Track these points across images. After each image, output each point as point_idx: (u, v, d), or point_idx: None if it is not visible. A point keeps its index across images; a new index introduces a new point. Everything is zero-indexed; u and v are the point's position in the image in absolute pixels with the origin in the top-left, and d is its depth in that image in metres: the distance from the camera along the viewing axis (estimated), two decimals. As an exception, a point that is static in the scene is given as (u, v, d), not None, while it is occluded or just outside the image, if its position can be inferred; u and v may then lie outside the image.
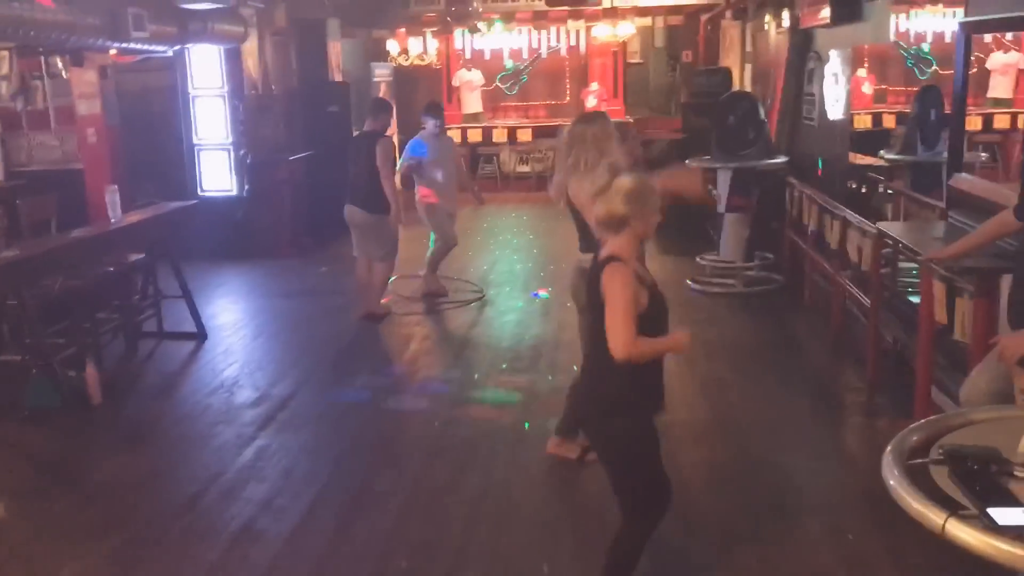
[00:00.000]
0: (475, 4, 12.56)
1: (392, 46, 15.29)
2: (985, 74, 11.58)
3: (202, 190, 11.14)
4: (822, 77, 8.94)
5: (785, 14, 10.20)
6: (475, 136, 16.16)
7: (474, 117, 16.49)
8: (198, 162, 11.16)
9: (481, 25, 15.06)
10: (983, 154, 9.66)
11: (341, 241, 11.78)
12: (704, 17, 14.42)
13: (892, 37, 7.16)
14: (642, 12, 14.54)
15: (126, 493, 4.95)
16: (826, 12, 8.16)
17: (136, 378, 6.96)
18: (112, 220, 7.13)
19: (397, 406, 6.17)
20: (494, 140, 16.15)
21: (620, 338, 3.19)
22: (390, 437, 5.72)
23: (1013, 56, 12.36)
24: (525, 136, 16.06)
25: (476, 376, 6.67)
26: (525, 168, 16.35)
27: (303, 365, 7.07)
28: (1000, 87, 12.38)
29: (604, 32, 15.07)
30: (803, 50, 9.74)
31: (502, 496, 4.78)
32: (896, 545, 4.05)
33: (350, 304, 8.44)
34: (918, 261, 4.80)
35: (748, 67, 13.14)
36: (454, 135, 15.88)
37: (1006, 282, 4.28)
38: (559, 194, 5.03)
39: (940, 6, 9.64)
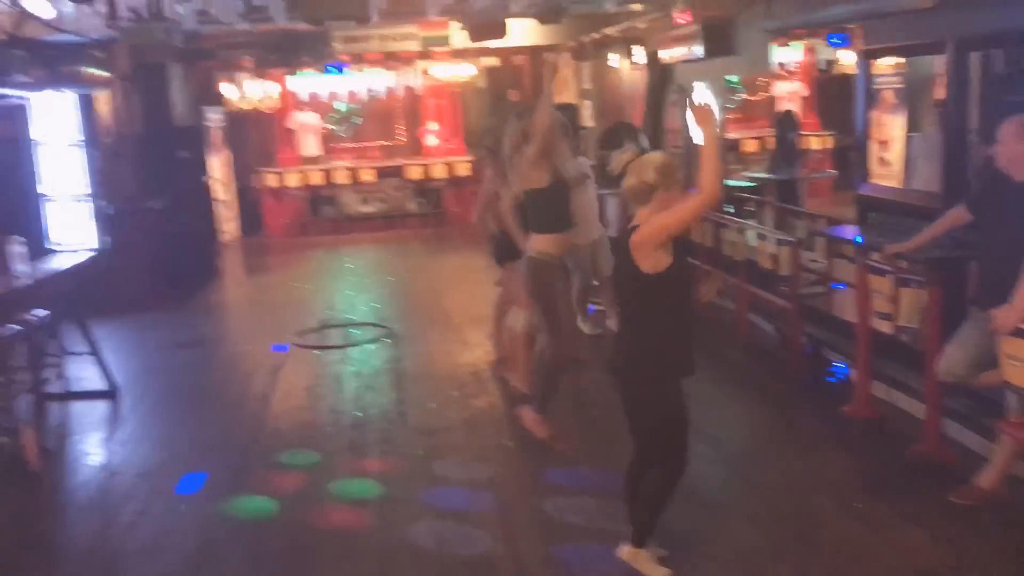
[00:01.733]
0: (333, 44, 12.52)
1: (228, 90, 14.90)
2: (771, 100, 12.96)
3: (49, 243, 10.40)
4: (686, 108, 9.71)
5: (638, 51, 10.97)
6: (316, 178, 15.99)
7: (313, 160, 16.32)
8: (44, 215, 10.42)
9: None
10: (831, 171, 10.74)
11: (207, 290, 11.43)
12: (549, 56, 15.06)
13: (774, 67, 7.86)
14: (488, 52, 14.99)
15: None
16: (697, 48, 8.91)
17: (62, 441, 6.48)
18: (17, 275, 6.62)
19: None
20: (336, 182, 16.04)
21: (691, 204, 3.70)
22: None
23: (796, 85, 13.92)
24: (368, 176, 16.07)
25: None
26: (368, 209, 16.35)
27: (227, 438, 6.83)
28: (786, 111, 14.12)
29: (447, 72, 15.40)
30: (662, 84, 10.52)
31: None
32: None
33: (245, 352, 8.21)
34: (883, 255, 5.35)
35: (588, 103, 13.90)
36: (293, 178, 15.72)
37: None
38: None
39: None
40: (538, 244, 5.45)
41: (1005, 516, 4.52)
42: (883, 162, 7.99)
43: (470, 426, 6.27)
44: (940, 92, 6.88)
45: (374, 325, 9.16)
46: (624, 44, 11.41)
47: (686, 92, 9.98)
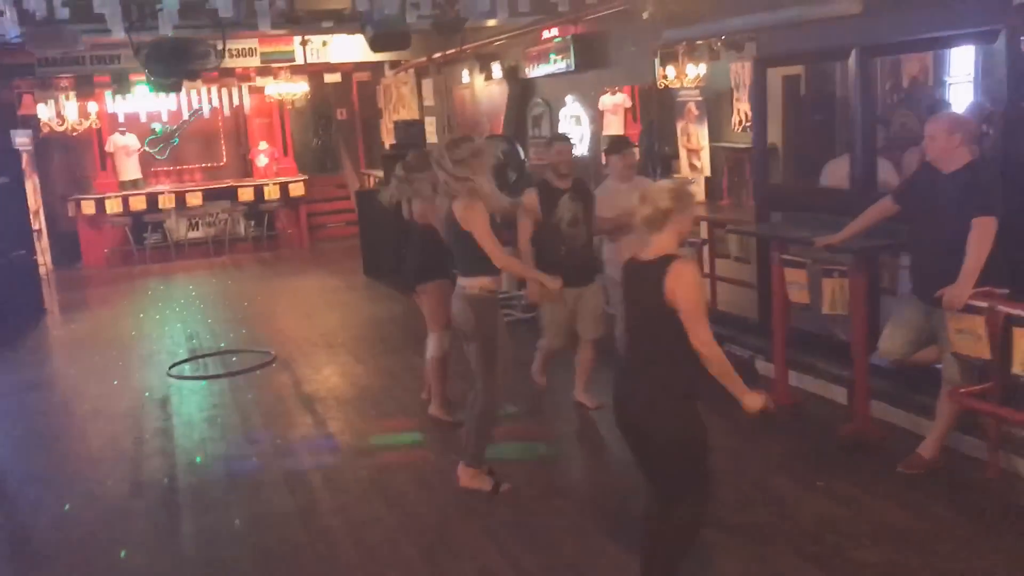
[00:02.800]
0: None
1: (42, 110, 13.75)
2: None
3: None
4: (554, 121, 9.94)
5: (496, 66, 11.10)
6: (138, 204, 15.02)
7: (133, 184, 15.32)
8: None
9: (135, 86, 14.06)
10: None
11: (38, 330, 10.46)
12: (394, 72, 14.90)
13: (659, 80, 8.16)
14: (331, 69, 14.65)
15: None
16: (565, 62, 9.14)
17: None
18: None
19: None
20: (160, 206, 15.13)
21: (704, 335, 3.43)
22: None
23: (619, 97, 14.55)
24: (195, 200, 15.27)
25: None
26: (197, 234, 15.54)
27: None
28: (613, 126, 14.58)
29: (276, 90, 14.92)
30: (524, 98, 10.70)
31: None
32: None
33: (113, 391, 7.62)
34: (814, 246, 5.66)
35: (432, 119, 13.89)
36: (112, 204, 14.72)
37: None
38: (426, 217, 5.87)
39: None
40: (481, 283, 5.07)
41: (951, 481, 4.91)
42: (694, 168, 8.63)
43: (405, 445, 6.10)
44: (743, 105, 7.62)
45: (255, 351, 8.70)
46: (479, 60, 11.51)
47: (551, 106, 10.22)
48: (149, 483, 5.74)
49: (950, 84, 11.61)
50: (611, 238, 6.33)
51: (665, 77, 7.97)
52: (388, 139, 16.47)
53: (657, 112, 8.79)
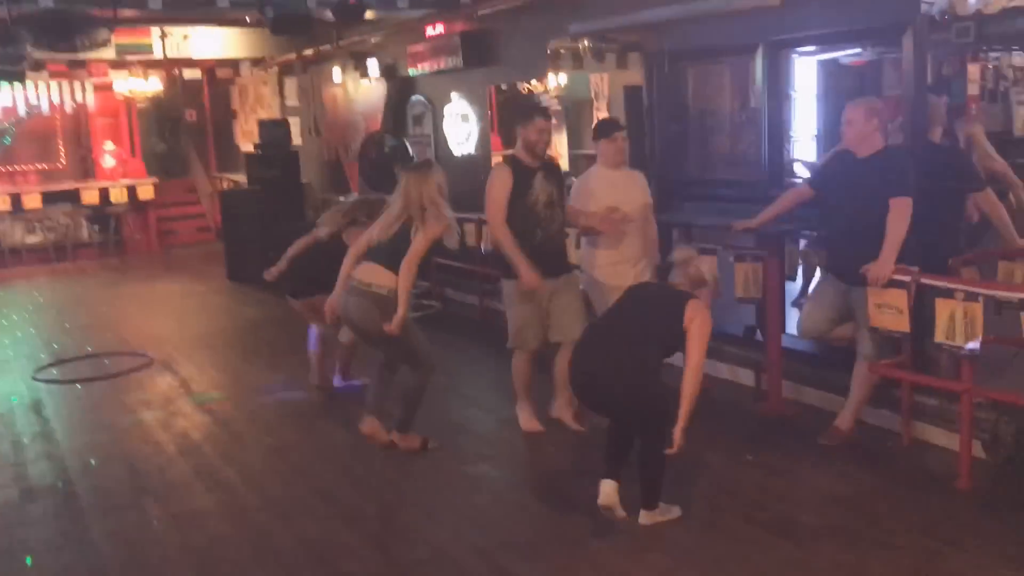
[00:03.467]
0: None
1: None
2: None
3: None
4: (438, 119, 9.86)
5: (371, 64, 10.90)
6: (-32, 206, 13.80)
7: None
8: None
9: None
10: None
11: None
12: (257, 71, 14.31)
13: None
14: (192, 64, 13.96)
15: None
16: (453, 60, 9.10)
17: None
18: None
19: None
20: (-8, 209, 13.97)
21: (699, 364, 4.26)
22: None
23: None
24: (33, 203, 14.18)
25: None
26: (35, 239, 14.43)
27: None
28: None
29: (127, 87, 14.09)
30: (404, 96, 10.56)
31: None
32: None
33: None
34: (732, 231, 5.81)
35: (296, 119, 13.48)
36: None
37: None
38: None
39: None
40: (391, 280, 5.09)
41: (869, 451, 5.17)
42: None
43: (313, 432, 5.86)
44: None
45: (128, 354, 8.14)
46: (353, 57, 11.26)
47: (432, 104, 10.13)
48: (41, 488, 5.24)
49: (795, 98, 12.40)
50: (591, 236, 5.66)
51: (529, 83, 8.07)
52: (244, 142, 15.89)
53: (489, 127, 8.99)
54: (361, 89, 11.38)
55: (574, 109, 9.45)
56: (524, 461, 5.50)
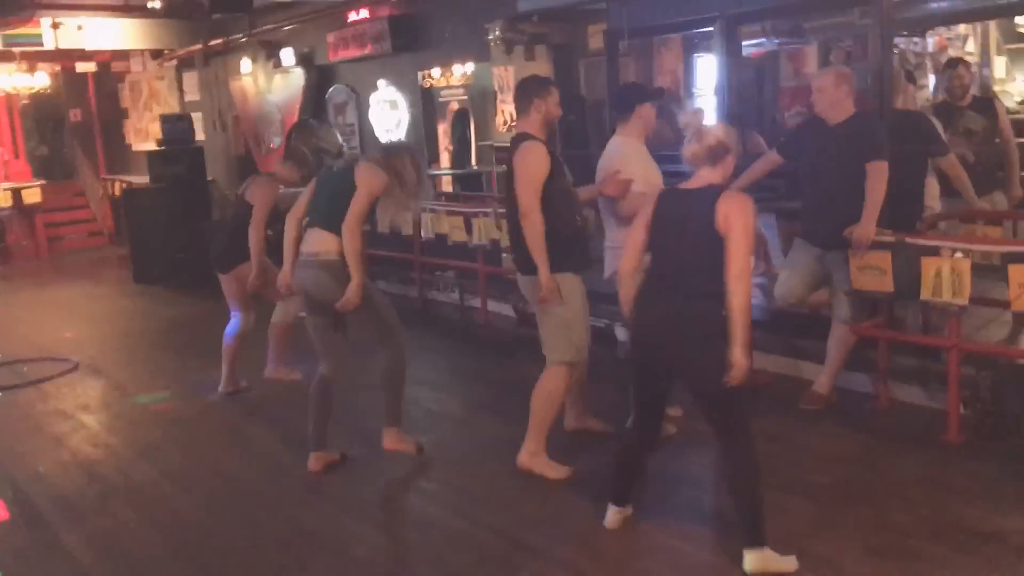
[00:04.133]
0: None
1: None
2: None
3: None
4: (363, 107, 9.59)
5: (286, 53, 10.52)
6: None
7: None
8: None
9: None
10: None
11: None
12: (158, 63, 13.54)
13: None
14: (85, 57, 13.13)
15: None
16: (380, 45, 8.86)
17: None
18: None
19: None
20: None
21: (745, 265, 3.41)
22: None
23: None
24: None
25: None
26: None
27: None
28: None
29: (11, 83, 13.19)
30: (324, 85, 10.23)
31: None
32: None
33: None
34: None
35: (199, 115, 12.89)
36: None
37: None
38: None
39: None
40: (337, 245, 4.62)
41: (850, 412, 5.25)
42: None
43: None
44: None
45: (49, 360, 7.58)
46: (264, 47, 10.85)
47: (357, 92, 9.85)
48: None
49: (698, 96, 12.69)
50: (622, 221, 4.68)
51: (429, 76, 7.96)
52: (137, 140, 15.14)
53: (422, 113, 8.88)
54: (275, 80, 10.96)
55: (480, 100, 9.41)
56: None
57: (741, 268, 3.40)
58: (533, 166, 4.33)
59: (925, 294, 4.75)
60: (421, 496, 4.55)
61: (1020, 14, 9.57)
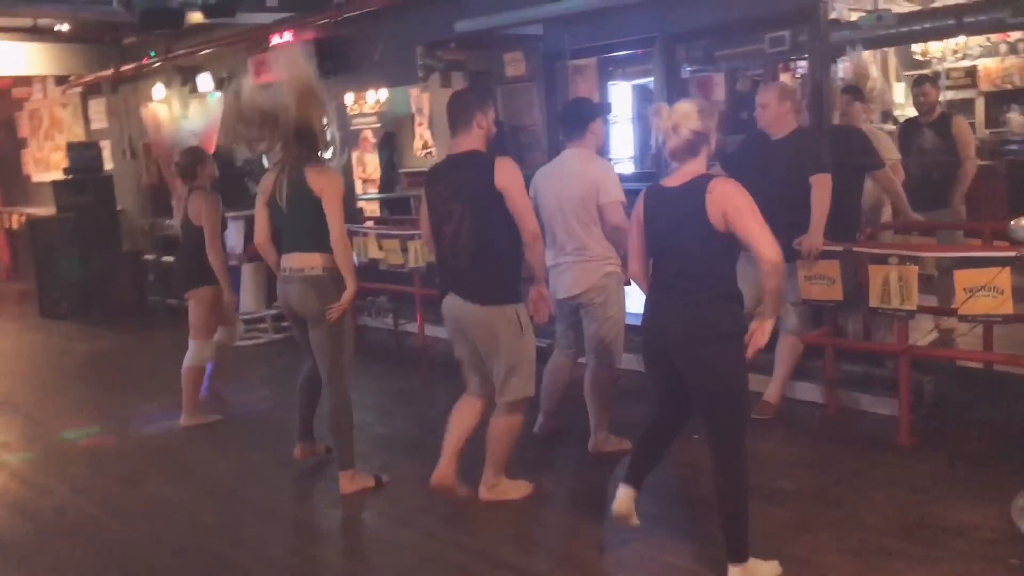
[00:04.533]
0: None
1: None
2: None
3: None
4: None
5: (203, 78, 10.26)
6: None
7: None
8: None
9: None
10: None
11: None
12: (62, 90, 12.97)
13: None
14: None
15: None
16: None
17: None
18: None
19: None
20: None
21: (771, 242, 3.34)
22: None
23: None
24: None
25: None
26: None
27: None
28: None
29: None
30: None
31: None
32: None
33: None
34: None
35: (107, 142, 12.44)
36: None
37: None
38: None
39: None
40: (321, 260, 4.57)
41: (802, 420, 5.35)
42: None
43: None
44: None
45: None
46: (180, 72, 10.55)
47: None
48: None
49: (613, 123, 12.95)
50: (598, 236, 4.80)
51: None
52: (38, 171, 14.52)
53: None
54: (191, 105, 10.66)
55: (395, 125, 9.35)
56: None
57: (769, 244, 3.32)
58: (522, 182, 4.08)
59: (873, 302, 4.88)
60: (388, 520, 4.40)
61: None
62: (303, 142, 4.53)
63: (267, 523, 4.43)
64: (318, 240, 4.50)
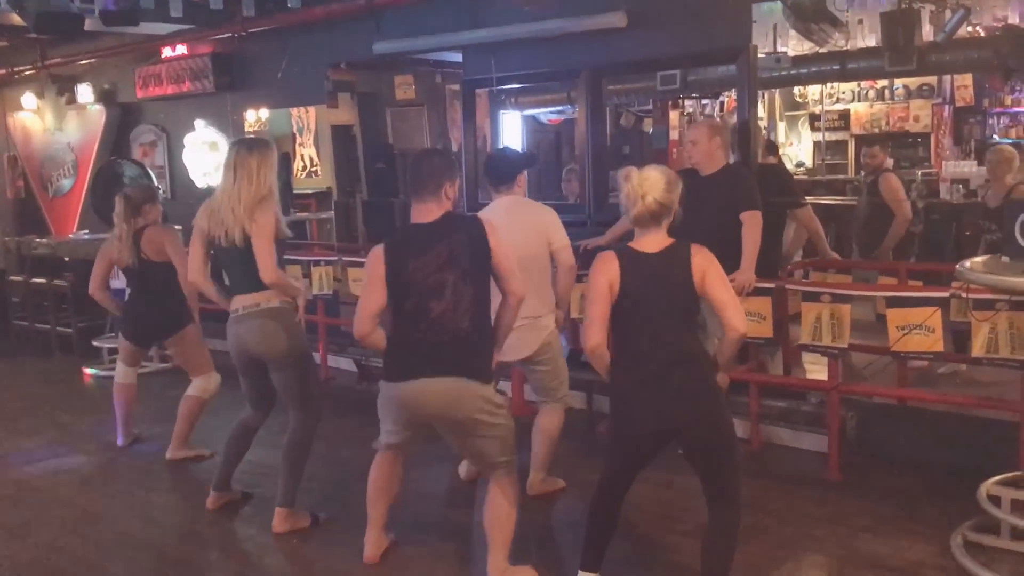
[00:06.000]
0: None
1: None
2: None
3: None
4: (175, 148, 8.96)
5: (84, 88, 9.65)
6: None
7: None
8: None
9: None
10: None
11: None
12: None
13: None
14: None
15: None
16: (203, 84, 8.34)
17: None
18: None
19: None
20: None
21: (742, 312, 3.48)
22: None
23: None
24: None
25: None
26: None
27: None
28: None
29: None
30: (129, 123, 9.47)
31: None
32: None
33: None
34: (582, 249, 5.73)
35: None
36: None
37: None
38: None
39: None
40: (272, 295, 4.36)
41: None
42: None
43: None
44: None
45: None
46: (56, 81, 9.87)
47: (167, 132, 9.19)
48: None
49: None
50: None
51: None
52: None
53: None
54: (68, 117, 9.98)
55: (277, 144, 9.05)
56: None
57: (741, 316, 3.45)
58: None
59: (805, 338, 4.95)
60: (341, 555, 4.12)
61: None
62: None
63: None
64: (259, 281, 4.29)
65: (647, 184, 3.39)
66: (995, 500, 3.96)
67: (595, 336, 3.37)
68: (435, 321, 3.58)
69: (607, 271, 3.36)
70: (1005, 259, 3.85)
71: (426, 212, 3.70)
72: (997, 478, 4.07)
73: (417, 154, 4.13)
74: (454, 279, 3.59)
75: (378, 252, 3.66)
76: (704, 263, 3.38)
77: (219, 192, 4.34)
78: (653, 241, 3.43)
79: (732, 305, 3.39)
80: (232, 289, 4.42)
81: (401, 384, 3.65)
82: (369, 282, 3.67)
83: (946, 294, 4.42)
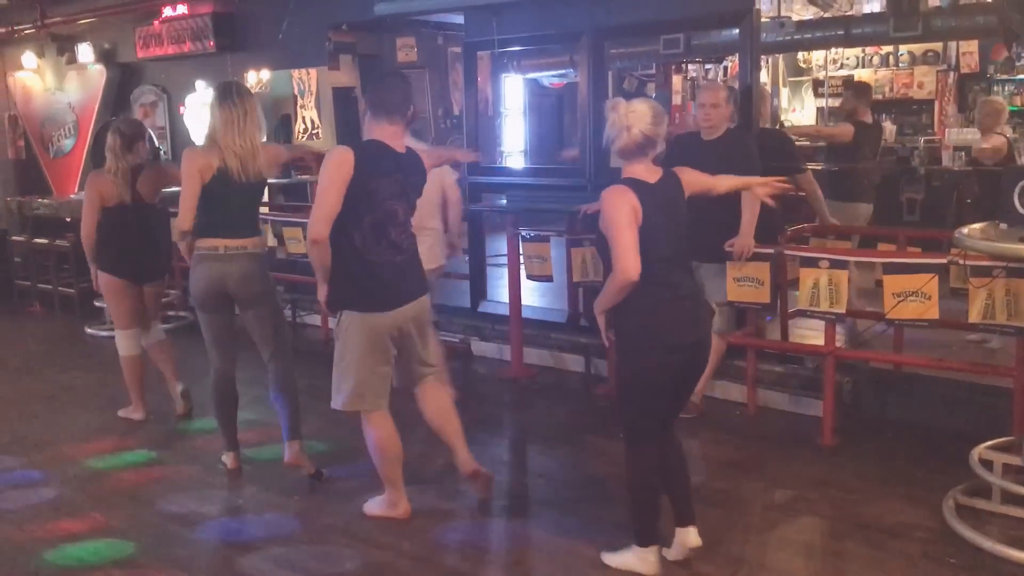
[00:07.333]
0: None
1: None
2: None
3: None
4: (175, 109, 8.92)
5: (84, 48, 9.60)
6: None
7: None
8: None
9: None
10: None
11: None
12: None
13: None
14: None
15: None
16: (202, 44, 8.28)
17: None
18: None
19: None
20: None
21: (733, 178, 4.06)
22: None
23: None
24: None
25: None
26: None
27: None
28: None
29: None
30: (129, 84, 9.43)
31: None
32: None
33: None
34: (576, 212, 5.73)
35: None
36: None
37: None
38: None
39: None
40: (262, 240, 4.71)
41: (725, 419, 5.40)
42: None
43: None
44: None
45: None
46: (56, 40, 9.81)
47: (167, 92, 9.15)
48: None
49: (505, 115, 12.94)
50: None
51: None
52: None
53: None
54: (68, 77, 9.92)
55: (276, 106, 9.03)
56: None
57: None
58: None
59: (803, 304, 4.97)
60: (331, 532, 4.18)
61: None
62: None
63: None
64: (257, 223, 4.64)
65: (633, 116, 3.37)
66: (987, 464, 4.01)
67: (634, 262, 3.25)
68: (393, 242, 3.83)
69: (629, 199, 3.32)
70: (1003, 226, 3.86)
71: (395, 135, 3.87)
72: (990, 443, 4.12)
73: (389, 74, 4.24)
74: (404, 210, 3.88)
75: (347, 156, 3.72)
76: (687, 182, 3.57)
77: (224, 126, 4.27)
78: (648, 171, 3.45)
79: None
80: (219, 227, 4.39)
81: (390, 313, 3.85)
82: (331, 184, 3.69)
83: (943, 261, 4.43)
